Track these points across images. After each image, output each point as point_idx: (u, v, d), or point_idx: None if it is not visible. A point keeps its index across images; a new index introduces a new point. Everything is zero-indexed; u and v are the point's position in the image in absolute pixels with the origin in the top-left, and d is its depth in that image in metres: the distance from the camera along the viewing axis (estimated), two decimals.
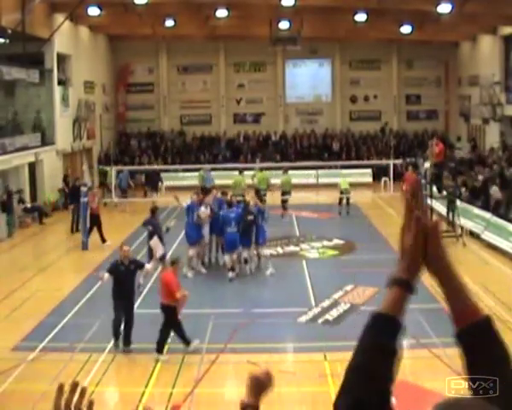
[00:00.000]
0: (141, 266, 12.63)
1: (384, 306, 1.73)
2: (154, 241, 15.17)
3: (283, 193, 25.07)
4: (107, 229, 23.51)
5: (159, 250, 15.01)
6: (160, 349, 11.47)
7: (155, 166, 32.34)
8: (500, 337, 1.73)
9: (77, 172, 30.11)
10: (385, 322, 1.71)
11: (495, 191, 21.92)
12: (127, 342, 11.86)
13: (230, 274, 16.40)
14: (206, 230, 17.29)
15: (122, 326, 11.99)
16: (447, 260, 1.80)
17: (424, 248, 1.77)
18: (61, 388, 1.82)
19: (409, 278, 1.76)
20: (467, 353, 1.74)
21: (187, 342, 11.64)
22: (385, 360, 1.66)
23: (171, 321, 11.53)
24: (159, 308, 11.71)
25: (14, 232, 22.87)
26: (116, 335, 11.93)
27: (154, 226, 16.51)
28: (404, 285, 1.75)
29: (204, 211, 17.04)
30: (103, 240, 20.59)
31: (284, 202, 25.01)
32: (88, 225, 20.56)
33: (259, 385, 2.51)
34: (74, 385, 1.81)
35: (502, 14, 26.24)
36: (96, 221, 20.70)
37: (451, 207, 21.34)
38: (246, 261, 16.90)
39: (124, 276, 11.99)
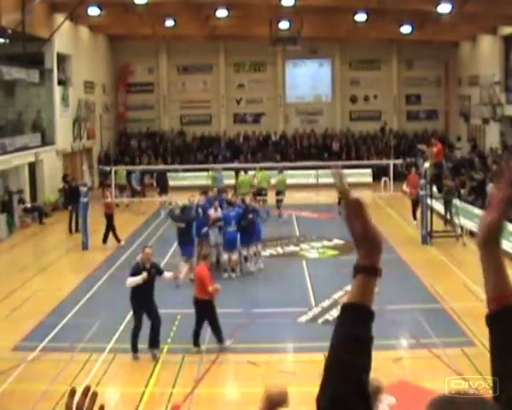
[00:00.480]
0: (160, 272, 12.09)
1: (352, 295, 1.74)
2: (182, 264, 14.72)
3: (277, 193, 25.10)
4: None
5: (182, 273, 14.57)
6: (220, 339, 11.71)
7: (165, 167, 31.46)
8: None
9: (76, 172, 30.13)
10: (354, 311, 1.72)
11: (491, 188, 21.93)
12: (155, 344, 11.57)
13: (226, 275, 16.42)
14: (215, 231, 17.25)
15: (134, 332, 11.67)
16: (496, 240, 1.80)
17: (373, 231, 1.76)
18: (73, 391, 1.84)
19: (370, 263, 1.75)
20: (494, 335, 1.75)
21: (221, 339, 11.76)
22: (359, 349, 1.67)
23: (206, 314, 11.70)
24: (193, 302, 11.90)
25: (14, 232, 22.89)
26: (135, 346, 11.47)
27: (186, 222, 16.54)
28: (368, 271, 1.74)
29: (213, 213, 17.11)
30: (105, 240, 20.53)
31: (279, 201, 25.05)
32: (105, 225, 20.59)
33: (275, 403, 2.53)
34: (86, 389, 1.83)
35: (502, 14, 26.24)
36: (110, 220, 20.58)
37: (448, 206, 21.48)
38: (246, 259, 16.98)
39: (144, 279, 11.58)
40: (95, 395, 1.84)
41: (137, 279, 11.39)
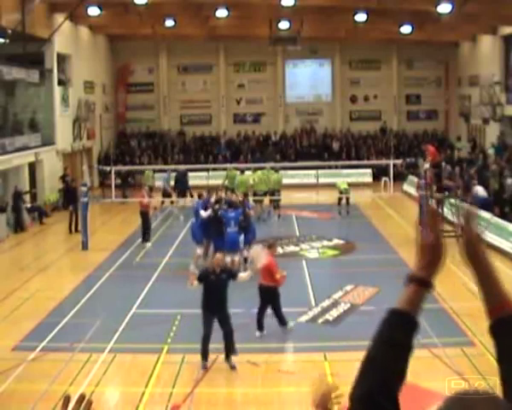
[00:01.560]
0: (233, 275, 11.50)
1: (400, 302, 1.77)
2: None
3: (273, 192, 25.02)
4: (108, 229, 23.56)
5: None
6: (283, 322, 12.45)
7: (182, 167, 29.56)
8: None
9: (76, 172, 30.11)
10: (400, 318, 1.75)
11: (478, 191, 22.04)
12: (231, 351, 11.14)
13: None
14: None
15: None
16: (482, 251, 1.83)
17: (443, 246, 1.82)
18: (67, 399, 1.84)
19: (426, 276, 1.79)
20: (498, 344, 1.76)
21: (284, 322, 12.50)
22: (396, 356, 1.70)
23: (271, 301, 12.36)
24: (258, 289, 12.49)
25: (24, 230, 22.96)
26: (204, 354, 11.03)
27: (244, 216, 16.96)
28: (421, 283, 1.79)
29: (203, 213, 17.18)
30: (147, 239, 20.33)
31: (276, 201, 24.99)
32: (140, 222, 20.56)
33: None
34: (81, 397, 1.83)
35: (502, 14, 26.24)
36: (145, 218, 20.39)
37: (440, 205, 21.68)
38: (246, 260, 16.92)
39: (214, 285, 11.02)
40: (89, 403, 1.83)
41: (188, 285, 11.54)
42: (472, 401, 1.58)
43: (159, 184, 27.69)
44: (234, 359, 11.29)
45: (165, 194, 26.50)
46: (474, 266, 1.86)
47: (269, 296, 12.38)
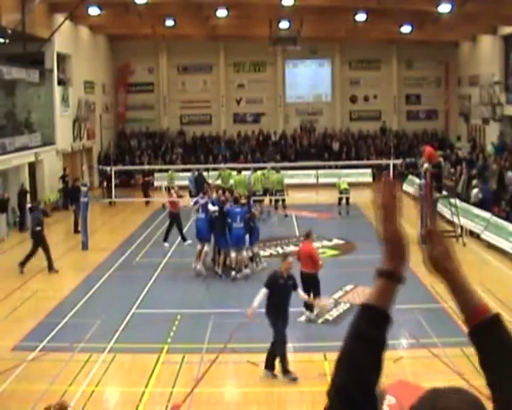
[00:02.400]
0: (295, 286, 11.13)
1: (372, 297, 1.75)
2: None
3: (274, 193, 24.95)
4: (108, 229, 23.54)
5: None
6: (309, 308, 13.05)
7: (200, 166, 29.05)
8: (510, 335, 1.75)
9: (77, 172, 30.12)
10: (371, 313, 1.74)
11: (476, 192, 22.08)
12: (272, 366, 10.69)
13: (233, 273, 16.34)
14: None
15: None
16: (451, 265, 1.81)
17: (403, 246, 1.80)
18: None
19: (394, 269, 1.76)
20: (479, 351, 1.77)
21: (310, 309, 13.06)
22: (370, 351, 1.70)
23: (313, 286, 12.86)
24: (300, 276, 12.61)
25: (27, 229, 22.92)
26: (284, 360, 10.59)
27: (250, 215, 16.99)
28: (391, 276, 1.76)
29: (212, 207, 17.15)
30: (184, 239, 20.10)
31: (277, 201, 24.83)
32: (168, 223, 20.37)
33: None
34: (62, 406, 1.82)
35: (502, 14, 26.23)
36: (175, 219, 20.21)
37: (435, 205, 21.80)
38: (252, 260, 16.92)
39: (281, 290, 10.77)
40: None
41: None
42: (441, 393, 1.60)
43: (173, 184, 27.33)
44: (234, 358, 11.29)
45: (191, 194, 26.14)
46: (442, 278, 1.84)
47: (310, 282, 12.81)
